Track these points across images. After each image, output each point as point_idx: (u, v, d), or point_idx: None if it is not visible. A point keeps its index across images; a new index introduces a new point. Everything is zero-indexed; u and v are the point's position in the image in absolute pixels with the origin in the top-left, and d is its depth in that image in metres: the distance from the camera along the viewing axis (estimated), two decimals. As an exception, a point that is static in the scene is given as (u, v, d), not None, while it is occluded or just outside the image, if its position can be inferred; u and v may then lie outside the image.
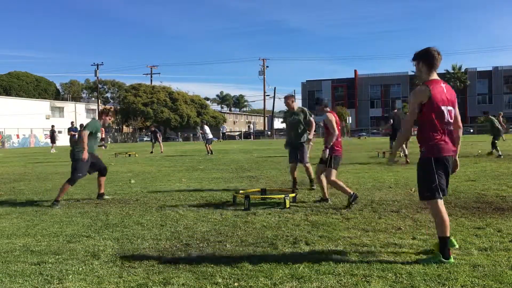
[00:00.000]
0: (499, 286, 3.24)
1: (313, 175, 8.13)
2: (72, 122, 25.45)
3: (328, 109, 6.91)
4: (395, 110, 15.63)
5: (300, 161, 8.28)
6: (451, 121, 3.93)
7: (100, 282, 3.56)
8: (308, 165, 8.27)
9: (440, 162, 3.87)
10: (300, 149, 8.28)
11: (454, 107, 3.95)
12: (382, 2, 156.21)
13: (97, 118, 8.18)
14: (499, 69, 73.77)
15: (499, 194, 7.17)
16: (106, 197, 7.96)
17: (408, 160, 13.04)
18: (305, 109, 8.56)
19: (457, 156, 4.06)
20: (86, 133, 7.53)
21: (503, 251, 4.06)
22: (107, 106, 75.43)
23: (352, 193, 6.49)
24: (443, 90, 3.90)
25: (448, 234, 3.85)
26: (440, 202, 3.88)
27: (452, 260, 3.77)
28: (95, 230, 5.44)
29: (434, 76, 3.93)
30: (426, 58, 3.93)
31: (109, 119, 8.16)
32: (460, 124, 4.07)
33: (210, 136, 22.89)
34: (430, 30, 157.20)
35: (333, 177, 6.55)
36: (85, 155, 7.41)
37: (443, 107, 3.85)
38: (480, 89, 74.26)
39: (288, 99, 8.39)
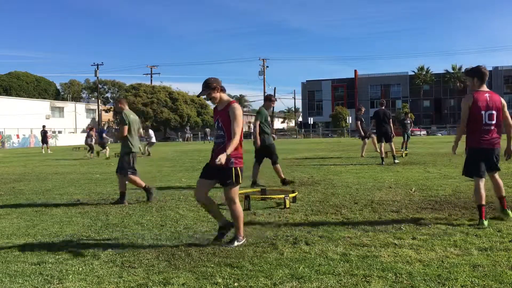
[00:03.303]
0: (499, 286, 3.24)
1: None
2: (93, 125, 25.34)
3: (225, 95, 4.79)
4: (382, 107, 13.53)
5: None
6: (493, 122, 5.00)
7: (100, 282, 3.56)
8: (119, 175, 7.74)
9: (478, 151, 5.07)
10: None
11: (497, 111, 5.03)
12: (382, 2, 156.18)
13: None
14: (499, 69, 73.77)
15: (499, 194, 7.15)
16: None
17: (395, 161, 13.14)
18: (123, 114, 7.84)
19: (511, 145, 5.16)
20: (257, 122, 8.46)
21: (503, 251, 4.06)
22: (107, 106, 75.42)
23: (241, 237, 4.62)
24: (486, 98, 5.02)
25: (480, 203, 5.03)
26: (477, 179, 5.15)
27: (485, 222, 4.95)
28: (95, 230, 5.44)
29: (484, 87, 5.11)
30: (479, 75, 5.10)
31: (273, 104, 9.20)
32: (510, 122, 5.13)
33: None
34: (430, 30, 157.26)
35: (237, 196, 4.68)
36: (258, 142, 8.59)
37: (482, 112, 4.98)
38: (480, 89, 74.21)
39: (120, 102, 7.94)
